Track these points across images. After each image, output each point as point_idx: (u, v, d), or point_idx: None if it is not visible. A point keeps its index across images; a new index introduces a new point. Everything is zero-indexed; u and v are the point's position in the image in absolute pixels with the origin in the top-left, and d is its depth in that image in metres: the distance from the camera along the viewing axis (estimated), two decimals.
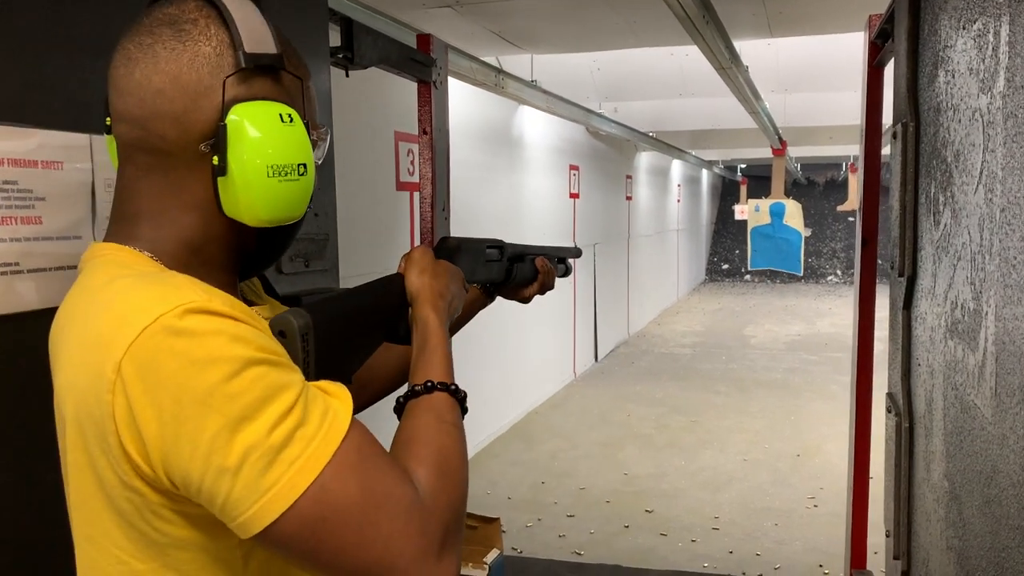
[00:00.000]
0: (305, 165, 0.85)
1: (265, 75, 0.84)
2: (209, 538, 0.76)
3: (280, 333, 0.85)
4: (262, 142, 0.82)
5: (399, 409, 0.92)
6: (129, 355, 0.70)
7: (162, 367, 0.70)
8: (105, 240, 0.88)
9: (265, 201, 0.83)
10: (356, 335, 1.00)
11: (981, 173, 0.98)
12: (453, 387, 0.93)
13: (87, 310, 0.77)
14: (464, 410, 0.94)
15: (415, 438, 0.85)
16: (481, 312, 1.39)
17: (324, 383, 0.81)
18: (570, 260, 1.50)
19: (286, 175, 0.83)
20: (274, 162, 0.82)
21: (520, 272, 1.33)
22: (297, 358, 0.85)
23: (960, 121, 1.11)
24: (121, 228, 0.87)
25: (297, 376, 0.76)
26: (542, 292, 1.40)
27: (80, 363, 0.74)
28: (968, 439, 1.05)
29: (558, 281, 1.45)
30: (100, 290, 0.78)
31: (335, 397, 0.79)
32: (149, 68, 0.82)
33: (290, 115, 0.84)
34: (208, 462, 0.69)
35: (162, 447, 0.70)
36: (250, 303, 0.99)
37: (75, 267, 1.31)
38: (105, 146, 1.33)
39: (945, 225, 1.21)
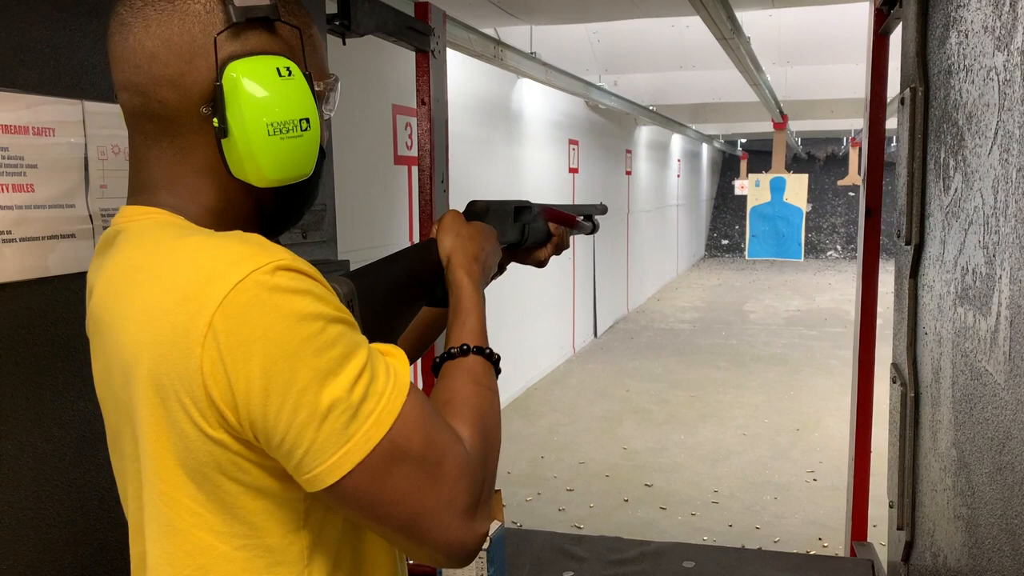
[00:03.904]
0: (308, 120, 0.83)
1: (259, 28, 0.82)
2: (280, 485, 0.77)
3: None
4: (259, 100, 0.80)
5: (435, 369, 0.94)
6: (222, 309, 0.70)
7: (255, 321, 0.70)
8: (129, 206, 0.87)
9: (269, 160, 0.81)
10: (396, 301, 1.03)
11: (996, 133, 0.95)
12: (488, 351, 0.95)
13: (156, 268, 0.76)
14: (497, 371, 0.96)
15: (456, 399, 0.87)
16: None
17: (379, 345, 0.82)
18: (596, 217, 1.47)
19: (288, 132, 0.81)
20: (274, 119, 0.80)
21: (533, 233, 1.28)
22: None
23: (973, 82, 1.08)
24: (141, 197, 0.85)
25: (364, 337, 0.78)
26: (557, 252, 1.37)
27: (160, 319, 0.73)
28: (978, 406, 1.03)
29: (556, 257, 1.43)
30: (168, 247, 0.77)
31: (393, 357, 0.81)
32: (141, 32, 0.80)
33: (288, 68, 0.82)
34: (295, 415, 0.71)
35: (249, 400, 0.71)
36: None
37: (69, 236, 1.30)
38: (97, 112, 1.31)
39: (956, 190, 1.18)
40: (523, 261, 1.33)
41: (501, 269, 1.28)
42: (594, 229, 1.47)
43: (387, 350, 0.82)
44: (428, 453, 0.76)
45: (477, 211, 1.19)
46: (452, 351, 0.93)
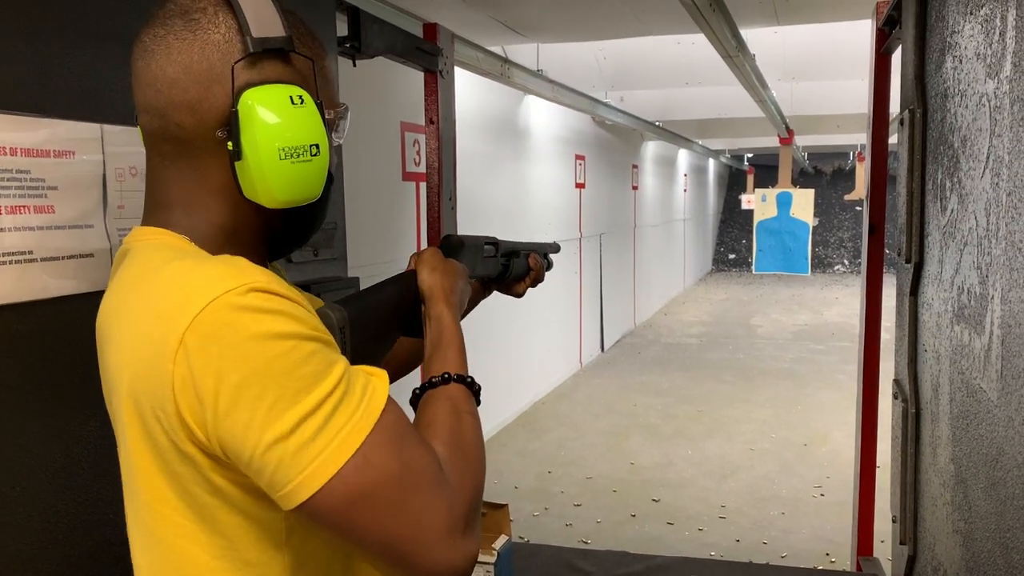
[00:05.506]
0: (317, 146, 0.86)
1: (275, 58, 0.85)
2: (256, 504, 0.79)
3: None
4: (272, 125, 0.83)
5: (415, 400, 0.96)
6: (193, 327, 0.73)
7: (225, 339, 0.72)
8: (143, 226, 0.91)
9: (279, 183, 0.85)
10: (380, 329, 1.07)
11: (988, 158, 0.98)
12: (469, 379, 0.97)
13: (146, 289, 0.79)
14: (478, 402, 0.97)
15: (435, 423, 0.89)
16: (486, 302, 1.46)
17: (363, 366, 0.84)
18: (551, 255, 1.59)
19: (298, 156, 0.85)
20: (285, 144, 0.84)
21: (516, 267, 1.42)
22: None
23: (967, 107, 1.11)
24: (156, 216, 0.89)
25: (341, 356, 0.80)
26: (533, 285, 1.48)
27: (141, 337, 0.77)
28: (974, 422, 1.05)
29: (561, 272, 1.53)
30: (158, 270, 0.80)
31: (374, 375, 0.82)
32: (163, 59, 0.84)
33: (301, 97, 0.85)
34: (263, 433, 0.72)
35: (216, 416, 0.73)
36: None
37: (88, 255, 1.33)
38: (115, 135, 1.35)
39: (952, 211, 1.21)
40: (504, 291, 1.45)
41: (471, 305, 1.36)
42: (548, 266, 1.57)
43: (370, 370, 0.83)
44: (403, 472, 0.76)
45: (452, 245, 1.26)
46: (433, 380, 0.95)
